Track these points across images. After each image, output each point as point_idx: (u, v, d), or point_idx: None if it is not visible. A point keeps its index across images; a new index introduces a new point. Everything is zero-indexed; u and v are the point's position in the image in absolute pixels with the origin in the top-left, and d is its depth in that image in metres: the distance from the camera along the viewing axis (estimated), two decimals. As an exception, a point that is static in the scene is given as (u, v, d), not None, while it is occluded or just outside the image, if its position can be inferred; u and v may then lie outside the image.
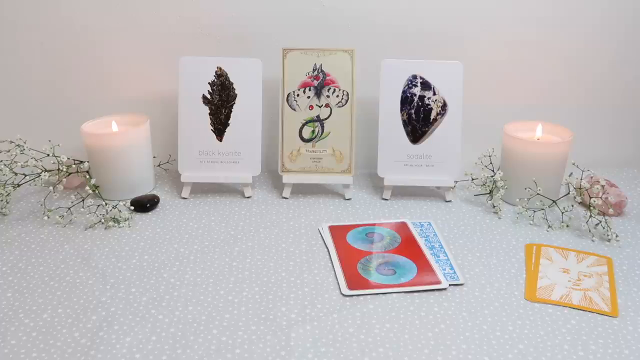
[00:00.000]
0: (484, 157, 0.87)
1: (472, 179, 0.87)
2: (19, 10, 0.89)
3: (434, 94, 0.84)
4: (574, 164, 0.83)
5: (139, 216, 0.81)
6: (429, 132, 0.85)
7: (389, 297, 0.63)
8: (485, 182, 0.85)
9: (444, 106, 0.84)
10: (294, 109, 0.85)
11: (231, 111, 0.86)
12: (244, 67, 0.85)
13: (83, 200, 0.82)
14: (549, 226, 0.78)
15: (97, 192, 0.82)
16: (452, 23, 0.91)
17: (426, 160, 0.85)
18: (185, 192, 0.86)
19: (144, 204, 0.82)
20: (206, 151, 0.86)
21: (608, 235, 0.75)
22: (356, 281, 0.66)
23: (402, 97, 0.84)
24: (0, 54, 0.91)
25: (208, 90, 0.85)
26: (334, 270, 0.68)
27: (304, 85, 0.85)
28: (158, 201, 0.84)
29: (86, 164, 0.85)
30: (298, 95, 0.85)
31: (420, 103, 0.84)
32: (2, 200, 0.81)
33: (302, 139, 0.85)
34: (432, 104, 0.84)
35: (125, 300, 0.62)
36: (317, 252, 0.72)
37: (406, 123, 0.85)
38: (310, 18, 0.90)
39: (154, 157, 0.90)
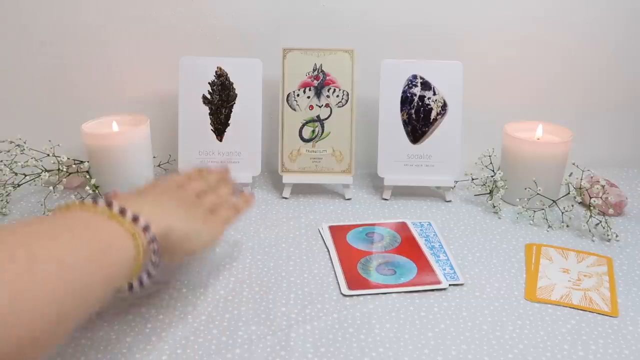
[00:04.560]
0: (484, 157, 0.87)
1: (472, 179, 0.87)
2: (19, 10, 0.89)
3: (434, 94, 0.84)
4: (574, 164, 0.83)
5: (139, 216, 0.81)
6: (429, 132, 0.85)
7: (389, 297, 0.63)
8: (485, 182, 0.85)
9: (444, 106, 0.84)
10: (294, 109, 0.85)
11: (231, 111, 0.86)
12: (244, 67, 0.85)
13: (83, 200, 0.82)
14: (549, 226, 0.78)
15: (97, 192, 0.82)
16: (452, 23, 0.91)
17: (426, 160, 0.85)
18: (185, 192, 0.86)
19: (144, 204, 0.82)
20: (206, 151, 0.86)
21: (608, 235, 0.75)
22: (356, 281, 0.66)
23: (402, 97, 0.84)
24: (0, 53, 0.91)
25: (208, 90, 0.85)
26: (334, 270, 0.68)
27: (304, 85, 0.85)
28: (158, 201, 0.84)
29: (86, 164, 0.85)
30: (298, 95, 0.85)
31: (420, 103, 0.84)
32: (2, 200, 0.81)
33: (302, 139, 0.85)
34: (432, 104, 0.84)
35: (125, 300, 0.62)
36: (317, 252, 0.72)
37: (406, 123, 0.85)
38: (310, 18, 0.90)
39: (154, 157, 0.90)
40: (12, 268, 0.37)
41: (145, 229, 0.49)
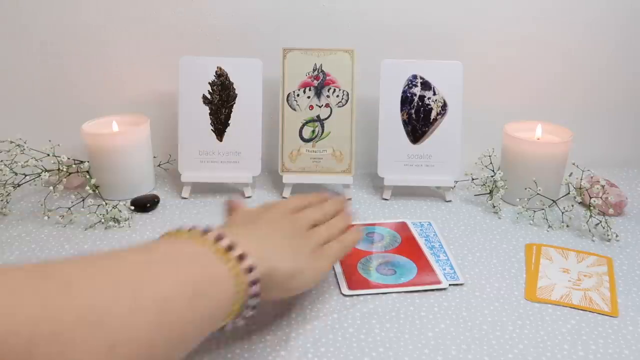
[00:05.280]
0: (484, 157, 0.87)
1: (472, 179, 0.87)
2: (19, 10, 0.89)
3: (434, 93, 0.84)
4: (574, 164, 0.83)
5: (139, 216, 0.81)
6: (429, 132, 0.85)
7: (389, 297, 0.63)
8: (485, 182, 0.85)
9: (444, 106, 0.84)
10: (294, 109, 0.85)
11: (231, 111, 0.86)
12: (244, 67, 0.85)
13: (83, 200, 0.82)
14: (549, 226, 0.78)
15: (97, 192, 0.82)
16: (452, 23, 0.91)
17: (426, 160, 0.85)
18: (185, 192, 0.86)
19: (144, 204, 0.82)
20: (206, 151, 0.86)
21: (608, 235, 0.75)
22: (356, 281, 0.66)
23: (402, 97, 0.85)
24: (0, 53, 0.91)
25: (208, 90, 0.85)
26: (334, 270, 0.68)
27: (304, 85, 0.85)
28: (158, 201, 0.84)
29: (86, 164, 0.85)
30: (298, 95, 0.85)
31: (420, 103, 0.84)
32: (2, 200, 0.81)
33: (302, 139, 0.85)
34: (432, 104, 0.84)
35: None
36: (317, 252, 0.72)
37: (406, 123, 0.85)
38: (310, 18, 0.90)
39: (154, 157, 0.90)
40: (115, 311, 0.36)
41: (250, 269, 0.46)
